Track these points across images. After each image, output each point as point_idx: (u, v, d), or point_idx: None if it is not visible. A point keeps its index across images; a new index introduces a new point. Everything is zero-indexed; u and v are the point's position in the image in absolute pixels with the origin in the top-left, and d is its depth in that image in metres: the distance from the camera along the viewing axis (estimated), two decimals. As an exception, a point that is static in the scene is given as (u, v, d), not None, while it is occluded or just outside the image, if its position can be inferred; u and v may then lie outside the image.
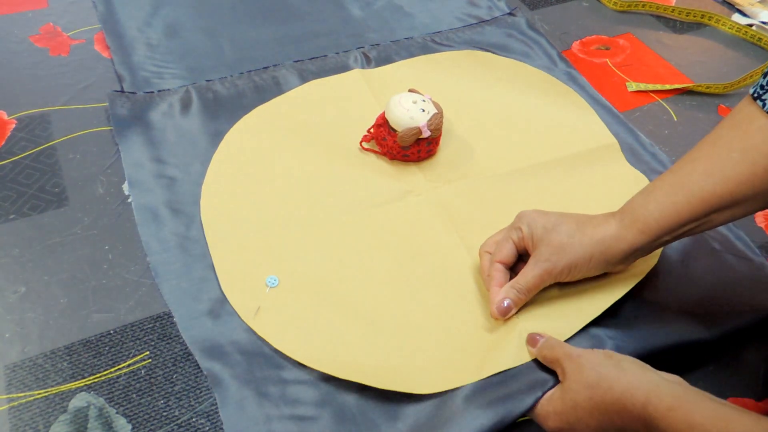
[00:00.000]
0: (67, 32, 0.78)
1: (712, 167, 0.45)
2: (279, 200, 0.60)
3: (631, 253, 0.48)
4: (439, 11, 0.86)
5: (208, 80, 0.72)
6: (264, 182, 0.62)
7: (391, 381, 0.47)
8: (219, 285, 0.54)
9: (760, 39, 0.84)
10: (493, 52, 0.79)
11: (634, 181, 0.64)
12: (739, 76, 0.76)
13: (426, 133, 0.61)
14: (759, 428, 0.35)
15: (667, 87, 0.77)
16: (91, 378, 0.48)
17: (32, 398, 0.47)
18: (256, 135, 0.66)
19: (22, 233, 0.57)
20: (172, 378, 0.49)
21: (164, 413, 0.47)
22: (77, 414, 0.46)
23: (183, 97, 0.70)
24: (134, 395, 0.48)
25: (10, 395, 0.47)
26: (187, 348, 0.50)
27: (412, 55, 0.78)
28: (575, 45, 0.83)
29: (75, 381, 0.48)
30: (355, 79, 0.73)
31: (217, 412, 0.47)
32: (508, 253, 0.51)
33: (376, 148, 0.66)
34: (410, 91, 0.64)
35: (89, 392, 0.48)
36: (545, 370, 0.47)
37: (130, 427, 0.46)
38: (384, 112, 0.63)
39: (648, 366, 0.42)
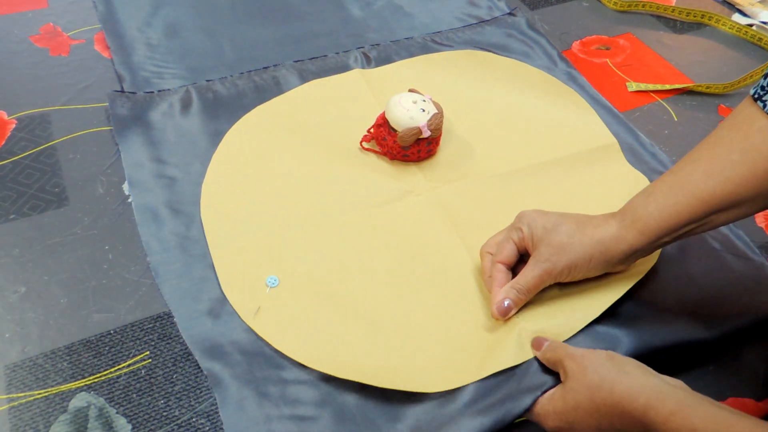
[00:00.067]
0: (67, 32, 0.78)
1: (713, 168, 0.45)
2: (279, 200, 0.60)
3: (632, 253, 0.48)
4: (439, 11, 0.86)
5: (208, 80, 0.72)
6: (264, 182, 0.62)
7: (391, 380, 0.47)
8: (219, 285, 0.54)
9: (760, 39, 0.84)
10: (493, 52, 0.79)
11: (634, 181, 0.64)
12: (740, 76, 0.76)
13: (426, 133, 0.61)
14: None
15: (668, 87, 0.77)
16: (91, 378, 0.48)
17: (32, 398, 0.47)
18: (256, 135, 0.66)
19: (22, 233, 0.57)
20: (172, 378, 0.49)
21: (164, 413, 0.47)
22: (77, 414, 0.46)
23: (183, 97, 0.70)
24: (134, 395, 0.48)
25: (11, 395, 0.47)
26: (187, 348, 0.50)
27: (412, 55, 0.78)
28: (575, 45, 0.83)
29: (75, 381, 0.48)
30: (355, 79, 0.73)
31: (217, 412, 0.47)
32: (509, 253, 0.51)
33: (376, 148, 0.66)
34: (410, 91, 0.64)
35: (89, 392, 0.48)
36: (545, 370, 0.47)
37: (130, 427, 0.46)
38: (384, 112, 0.63)
39: (650, 370, 0.42)
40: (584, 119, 0.71)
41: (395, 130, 0.62)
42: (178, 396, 0.48)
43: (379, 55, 0.77)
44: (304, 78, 0.73)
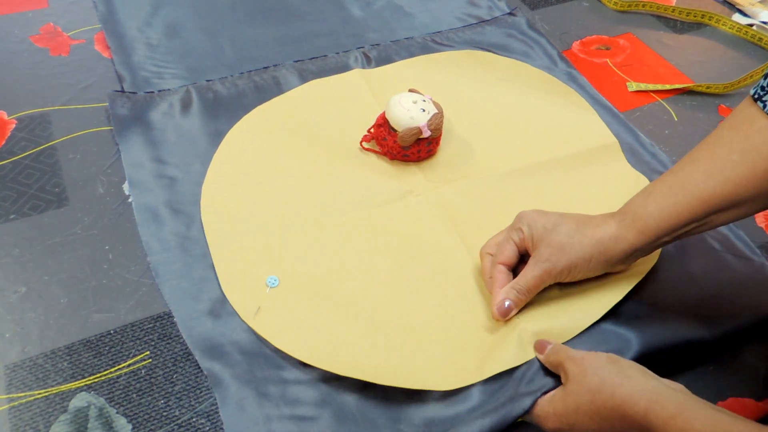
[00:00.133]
0: (67, 32, 0.78)
1: (713, 168, 0.45)
2: (279, 200, 0.60)
3: (631, 253, 0.48)
4: (439, 11, 0.86)
5: (208, 80, 0.72)
6: (264, 182, 0.62)
7: (391, 378, 0.47)
8: (219, 285, 0.54)
9: (760, 39, 0.84)
10: (494, 52, 0.79)
11: (634, 181, 0.64)
12: (740, 76, 0.76)
13: (426, 133, 0.61)
14: None
15: (668, 87, 0.77)
16: (91, 378, 0.48)
17: (32, 398, 0.47)
18: (256, 135, 0.66)
19: (23, 233, 0.57)
20: (172, 378, 0.49)
21: (164, 413, 0.47)
22: (77, 414, 0.46)
23: (183, 97, 0.70)
24: (134, 395, 0.48)
25: (11, 395, 0.47)
26: (187, 348, 0.50)
27: (412, 55, 0.78)
28: (575, 45, 0.83)
29: (75, 381, 0.48)
30: (355, 79, 0.73)
31: (217, 412, 0.47)
32: (509, 254, 0.51)
33: (377, 148, 0.66)
34: (410, 91, 0.64)
35: (89, 392, 0.48)
36: (545, 372, 0.47)
37: (130, 427, 0.46)
38: (384, 112, 0.63)
39: (651, 373, 0.42)
40: (584, 119, 0.71)
41: (395, 130, 0.62)
42: (178, 396, 0.48)
43: (379, 55, 0.77)
44: (304, 78, 0.73)
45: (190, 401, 0.48)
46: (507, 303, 0.49)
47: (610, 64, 0.80)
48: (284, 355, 0.50)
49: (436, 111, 0.62)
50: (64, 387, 0.48)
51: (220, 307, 0.53)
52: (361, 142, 0.66)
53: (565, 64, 0.78)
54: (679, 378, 0.49)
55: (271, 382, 0.48)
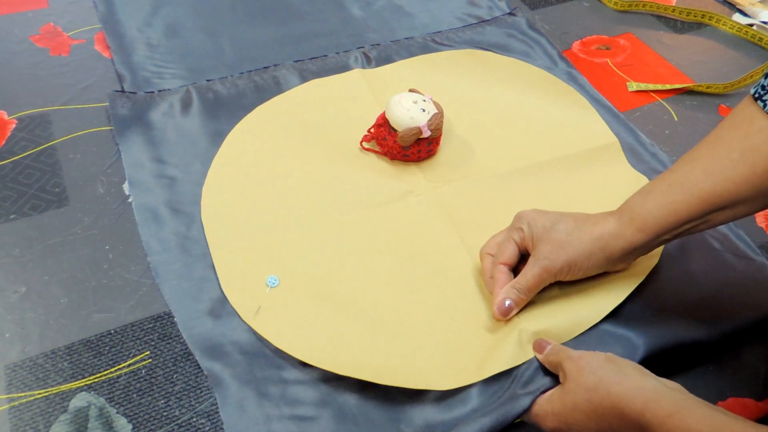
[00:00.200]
0: (67, 32, 0.78)
1: (712, 167, 0.45)
2: (279, 200, 0.60)
3: (631, 251, 0.48)
4: (439, 11, 0.86)
5: (208, 80, 0.72)
6: (264, 182, 0.62)
7: (391, 378, 0.47)
8: (219, 285, 0.54)
9: (760, 39, 0.84)
10: (494, 52, 0.79)
11: (634, 181, 0.64)
12: (740, 76, 0.76)
13: (426, 133, 0.61)
14: None
15: (668, 87, 0.76)
16: (91, 378, 0.48)
17: (32, 398, 0.47)
18: (256, 135, 0.66)
19: (23, 233, 0.57)
20: (172, 378, 0.49)
21: (165, 413, 0.47)
22: (78, 414, 0.46)
23: (183, 97, 0.70)
24: (135, 395, 0.48)
25: (11, 395, 0.47)
26: (187, 348, 0.50)
27: (412, 55, 0.78)
28: (576, 45, 0.83)
29: (75, 381, 0.48)
30: (356, 79, 0.73)
31: (217, 412, 0.47)
32: (510, 254, 0.51)
33: (377, 148, 0.66)
34: (410, 90, 0.64)
35: (90, 392, 0.48)
36: (544, 371, 0.47)
37: (130, 426, 0.46)
38: (384, 112, 0.63)
39: (648, 372, 0.42)
40: (585, 118, 0.71)
41: (395, 130, 0.62)
42: (178, 396, 0.48)
43: (379, 55, 0.77)
44: (305, 78, 0.73)
45: (191, 401, 0.48)
46: (508, 302, 0.49)
47: (611, 64, 0.80)
48: (284, 355, 0.50)
49: (436, 111, 0.62)
50: (64, 387, 0.48)
51: (220, 307, 0.53)
52: (361, 142, 0.66)
53: (565, 64, 0.78)
54: (679, 378, 0.49)
55: (271, 382, 0.48)
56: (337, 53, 0.77)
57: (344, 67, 0.75)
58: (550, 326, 0.50)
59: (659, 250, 0.56)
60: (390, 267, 0.56)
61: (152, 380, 0.49)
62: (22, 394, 0.47)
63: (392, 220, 0.60)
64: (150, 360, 0.50)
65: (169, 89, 0.70)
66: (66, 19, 0.80)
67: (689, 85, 0.76)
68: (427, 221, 0.60)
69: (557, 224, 0.50)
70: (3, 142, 0.65)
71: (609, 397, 0.40)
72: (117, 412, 0.47)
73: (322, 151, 0.65)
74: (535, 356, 0.48)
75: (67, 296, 0.53)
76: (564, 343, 0.49)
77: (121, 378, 0.49)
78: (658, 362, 0.49)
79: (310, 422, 0.46)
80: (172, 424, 0.46)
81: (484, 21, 0.84)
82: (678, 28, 0.87)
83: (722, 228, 0.60)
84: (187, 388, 0.48)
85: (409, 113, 0.61)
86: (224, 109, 0.69)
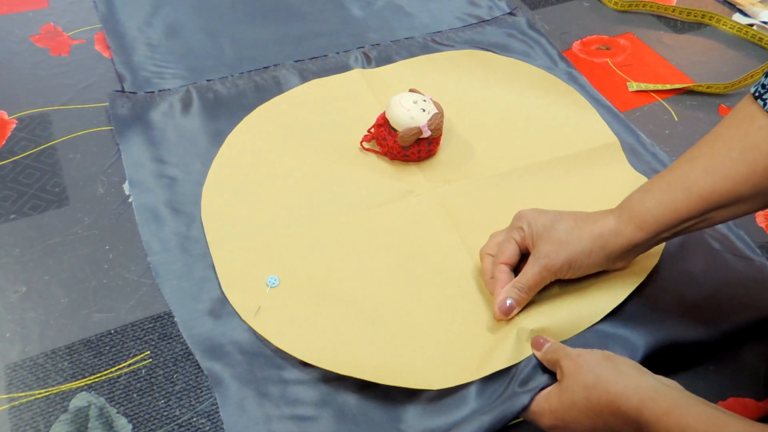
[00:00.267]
0: (67, 32, 0.78)
1: (712, 165, 0.45)
2: (279, 200, 0.60)
3: (631, 249, 0.48)
4: (439, 11, 0.86)
5: (208, 80, 0.72)
6: (264, 182, 0.62)
7: (391, 377, 0.47)
8: (219, 285, 0.54)
9: (760, 39, 0.84)
10: (494, 52, 0.79)
11: (634, 181, 0.64)
12: (740, 76, 0.76)
13: (426, 133, 0.61)
14: None
15: (668, 87, 0.76)
16: (91, 378, 0.48)
17: (33, 398, 0.47)
18: (256, 135, 0.66)
19: (23, 233, 0.57)
20: (172, 378, 0.49)
21: (165, 413, 0.47)
22: (78, 414, 0.46)
23: (183, 97, 0.70)
24: (135, 395, 0.48)
25: (11, 395, 0.47)
26: (187, 348, 0.50)
27: (412, 54, 0.78)
28: (576, 45, 0.83)
29: (75, 381, 0.48)
30: (356, 79, 0.73)
31: (217, 412, 0.47)
32: (511, 253, 0.51)
33: (377, 148, 0.66)
34: (411, 90, 0.64)
35: (90, 392, 0.48)
36: (543, 369, 0.47)
37: (130, 426, 0.46)
38: (384, 112, 0.63)
39: (646, 370, 0.42)
40: (585, 118, 0.71)
41: (395, 130, 0.62)
42: (178, 396, 0.48)
43: (379, 55, 0.77)
44: (305, 78, 0.73)
45: (191, 401, 0.48)
46: (509, 302, 0.49)
47: (611, 64, 0.80)
48: (284, 355, 0.50)
49: (437, 111, 0.62)
50: (64, 387, 0.48)
51: (221, 307, 0.53)
52: (361, 142, 0.66)
53: (565, 63, 0.78)
54: (679, 378, 0.49)
55: (271, 382, 0.48)
56: (338, 53, 0.77)
57: (344, 67, 0.75)
58: (549, 324, 0.50)
59: (659, 249, 0.56)
60: (390, 267, 0.56)
61: (152, 380, 0.49)
62: (23, 394, 0.47)
63: (392, 220, 0.60)
64: (150, 360, 0.50)
65: (169, 89, 0.71)
66: (66, 19, 0.80)
67: (689, 85, 0.76)
68: (427, 221, 0.60)
69: (557, 223, 0.50)
70: (3, 142, 0.65)
71: (607, 394, 0.40)
72: (117, 412, 0.47)
73: (322, 151, 0.65)
74: (533, 354, 0.48)
75: (67, 296, 0.53)
76: (563, 342, 0.49)
77: (122, 378, 0.49)
78: (657, 362, 0.49)
79: (310, 422, 0.46)
80: (172, 424, 0.46)
81: (484, 21, 0.84)
82: (678, 28, 0.87)
83: (722, 228, 0.60)
84: (188, 387, 0.48)
85: (409, 113, 0.61)
86: (224, 109, 0.69)
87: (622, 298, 0.52)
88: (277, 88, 0.72)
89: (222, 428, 0.46)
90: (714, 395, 0.50)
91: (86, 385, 0.48)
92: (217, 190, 0.61)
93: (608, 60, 0.81)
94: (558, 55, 0.79)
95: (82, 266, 0.55)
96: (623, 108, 0.74)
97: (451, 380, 0.48)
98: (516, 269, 0.52)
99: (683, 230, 0.47)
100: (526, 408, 0.45)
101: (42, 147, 0.65)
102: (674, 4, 0.90)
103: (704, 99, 0.76)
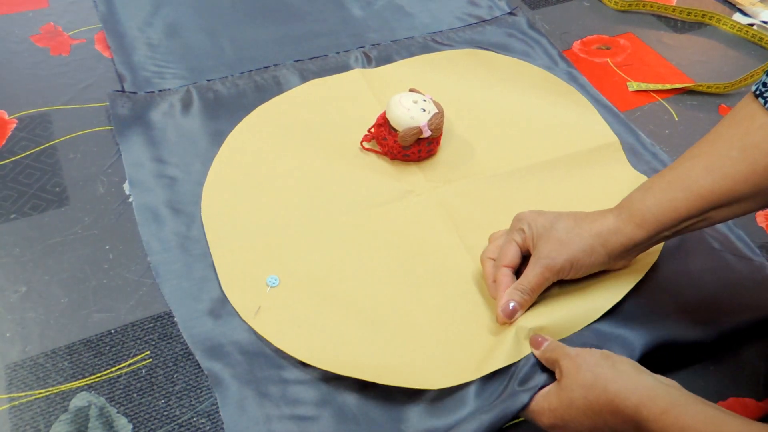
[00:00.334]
0: (67, 32, 0.78)
1: (712, 164, 0.45)
2: (279, 200, 0.60)
3: (631, 247, 0.48)
4: (439, 11, 0.86)
5: (208, 80, 0.72)
6: (264, 182, 0.62)
7: (391, 378, 0.47)
8: (219, 285, 0.54)
9: (761, 39, 0.84)
10: (494, 52, 0.79)
11: (635, 180, 0.64)
12: (740, 76, 0.76)
13: (426, 133, 0.61)
14: None
15: (668, 87, 0.76)
16: (91, 377, 0.48)
17: (33, 398, 0.47)
18: (256, 135, 0.66)
19: (23, 233, 0.57)
20: (172, 378, 0.49)
21: (165, 413, 0.47)
22: (78, 413, 0.46)
23: (184, 97, 0.70)
24: (135, 395, 0.48)
25: (11, 395, 0.47)
26: (187, 348, 0.50)
27: (412, 54, 0.78)
28: (576, 44, 0.83)
29: (76, 380, 0.48)
30: (356, 79, 0.73)
31: (217, 412, 0.47)
32: (513, 256, 0.51)
33: (377, 148, 0.66)
34: (411, 90, 0.64)
35: (90, 392, 0.48)
36: (542, 368, 0.47)
37: (130, 426, 0.46)
38: (384, 112, 0.63)
39: (644, 369, 0.42)
40: (585, 118, 0.71)
41: (396, 130, 0.62)
42: (178, 396, 0.48)
43: (379, 55, 0.77)
44: (305, 78, 0.73)
45: (191, 401, 0.48)
46: (512, 304, 0.49)
47: (611, 64, 0.80)
48: (284, 355, 0.50)
49: (437, 111, 0.62)
50: (64, 386, 0.48)
51: (221, 306, 0.53)
52: (361, 142, 0.66)
53: (565, 63, 0.78)
54: (680, 378, 0.49)
55: (271, 382, 0.48)
56: (338, 53, 0.77)
57: (344, 67, 0.75)
58: (548, 323, 0.50)
59: (658, 247, 0.56)
60: (390, 267, 0.56)
61: (152, 380, 0.49)
62: (23, 394, 0.47)
63: (392, 219, 0.60)
64: (150, 360, 0.50)
65: (169, 89, 0.71)
66: (66, 18, 0.80)
67: (689, 84, 0.76)
68: (427, 221, 0.60)
69: (557, 223, 0.50)
70: (3, 142, 0.65)
71: (605, 393, 0.40)
72: (117, 412, 0.47)
73: (322, 150, 0.65)
74: (532, 352, 0.48)
75: (67, 296, 0.53)
76: (561, 340, 0.49)
77: (122, 378, 0.49)
78: (656, 361, 0.49)
79: (311, 422, 0.46)
80: (172, 424, 0.46)
81: (484, 21, 0.84)
82: (678, 27, 0.87)
83: (722, 228, 0.60)
84: (188, 387, 0.48)
85: (409, 113, 0.61)
86: (224, 109, 0.69)
87: (621, 296, 0.52)
88: (277, 88, 0.72)
89: (222, 428, 0.46)
90: (714, 395, 0.50)
91: (86, 384, 0.48)
92: (217, 190, 0.61)
93: (608, 60, 0.81)
94: (558, 54, 0.79)
95: (82, 266, 0.55)
96: (623, 108, 0.74)
97: (451, 380, 0.48)
98: (518, 272, 0.52)
99: (683, 229, 0.47)
100: (525, 407, 0.45)
101: (42, 147, 0.65)
102: (674, 3, 0.90)
103: (704, 99, 0.76)
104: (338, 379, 0.48)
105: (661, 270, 0.56)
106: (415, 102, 0.61)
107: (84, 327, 0.51)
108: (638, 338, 0.50)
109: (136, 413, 0.47)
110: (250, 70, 0.74)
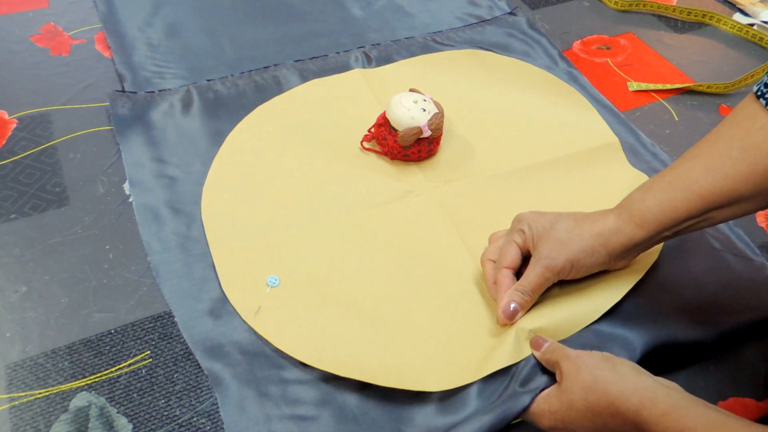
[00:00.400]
0: (67, 32, 0.78)
1: (712, 164, 0.45)
2: (280, 200, 0.60)
3: (632, 247, 0.48)
4: (439, 11, 0.86)
5: (208, 80, 0.72)
6: (264, 182, 0.62)
7: (391, 379, 0.47)
8: (220, 285, 0.54)
9: (761, 39, 0.84)
10: (494, 52, 0.79)
11: (635, 180, 0.64)
12: (740, 76, 0.76)
13: (427, 133, 0.61)
14: None
15: (668, 87, 0.76)
16: (92, 377, 0.48)
17: (33, 398, 0.47)
18: (256, 135, 0.66)
19: (23, 233, 0.57)
20: (172, 378, 0.49)
21: (165, 413, 0.47)
22: (78, 413, 0.46)
23: (184, 97, 0.70)
24: (135, 395, 0.48)
25: (11, 395, 0.47)
26: (187, 348, 0.50)
27: (412, 54, 0.78)
28: (576, 44, 0.83)
29: (76, 380, 0.48)
30: (356, 79, 0.73)
31: (217, 412, 0.47)
32: (513, 257, 0.51)
33: (377, 148, 0.66)
34: (411, 90, 0.64)
35: (90, 392, 0.48)
36: (543, 370, 0.47)
37: (131, 426, 0.46)
38: (384, 112, 0.63)
39: (645, 371, 0.42)
40: (585, 118, 0.71)
41: (396, 130, 0.62)
42: (178, 396, 0.48)
43: (379, 55, 0.77)
44: (305, 78, 0.73)
45: (191, 401, 0.48)
46: (512, 305, 0.49)
47: (611, 64, 0.80)
48: (284, 355, 0.50)
49: (437, 111, 0.62)
50: (64, 386, 0.48)
51: (221, 306, 0.53)
52: (361, 142, 0.66)
53: (565, 63, 0.78)
54: (680, 377, 0.49)
55: (271, 382, 0.48)
56: (338, 53, 0.77)
57: (345, 67, 0.75)
58: (548, 324, 0.50)
59: (658, 247, 0.56)
60: (390, 267, 0.56)
61: (153, 380, 0.49)
62: (23, 394, 0.47)
63: (392, 219, 0.60)
64: (150, 360, 0.50)
65: (169, 89, 0.71)
66: (66, 18, 0.80)
67: (690, 84, 0.76)
68: (428, 221, 0.60)
69: (557, 223, 0.50)
70: (3, 142, 0.65)
71: (605, 396, 0.40)
72: (117, 412, 0.47)
73: (322, 150, 0.65)
74: (532, 354, 0.48)
75: (67, 296, 0.53)
76: (562, 341, 0.49)
77: (122, 378, 0.49)
78: (657, 362, 0.49)
79: (311, 422, 0.46)
80: (172, 424, 0.46)
81: (484, 21, 0.84)
82: (678, 27, 0.87)
83: (722, 228, 0.60)
84: (188, 387, 0.48)
85: (409, 113, 0.61)
86: (225, 109, 0.69)
87: (621, 296, 0.52)
88: (277, 87, 0.72)
89: (222, 428, 0.46)
90: (714, 395, 0.50)
91: (86, 384, 0.48)
92: (217, 189, 0.61)
93: (608, 60, 0.81)
94: (558, 54, 0.79)
95: (83, 266, 0.55)
96: (623, 108, 0.74)
97: (451, 382, 0.48)
98: (518, 273, 0.52)
99: (684, 230, 0.47)
100: (526, 409, 0.45)
101: (42, 147, 0.65)
102: (675, 3, 0.90)
103: (704, 99, 0.76)
104: (338, 379, 0.48)
105: (661, 270, 0.56)
106: (415, 102, 0.61)
107: (84, 327, 0.51)
108: (638, 338, 0.50)
109: (136, 413, 0.47)
110: (250, 70, 0.74)
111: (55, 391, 0.48)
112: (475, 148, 0.67)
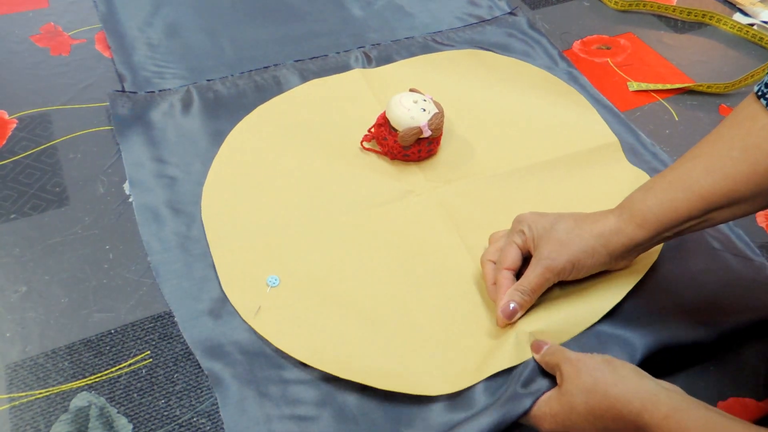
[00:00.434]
0: (67, 32, 0.78)
1: (713, 165, 0.45)
2: (280, 200, 0.60)
3: (632, 247, 0.48)
4: (439, 11, 0.86)
5: (208, 80, 0.72)
6: (264, 182, 0.62)
7: (391, 382, 0.47)
8: (220, 284, 0.54)
9: (761, 39, 0.84)
10: (494, 52, 0.79)
11: (635, 180, 0.64)
12: (741, 76, 0.76)
13: (427, 133, 0.61)
14: None
15: (668, 87, 0.76)
16: (92, 377, 0.48)
17: (33, 398, 0.47)
18: (256, 135, 0.66)
19: (23, 233, 0.57)
20: (173, 378, 0.49)
21: (165, 413, 0.47)
22: (78, 413, 0.46)
23: (184, 97, 0.70)
24: (135, 395, 0.48)
25: (11, 395, 0.47)
26: (187, 348, 0.50)
27: (412, 54, 0.78)
28: (576, 44, 0.83)
29: (76, 380, 0.48)
30: (356, 79, 0.73)
31: (217, 412, 0.47)
32: (513, 258, 0.51)
33: (377, 148, 0.66)
34: (411, 90, 0.64)
35: (90, 392, 0.48)
36: (543, 373, 0.47)
37: (131, 426, 0.46)
38: (384, 112, 0.63)
39: (646, 373, 0.42)
40: (585, 118, 0.71)
41: (396, 130, 0.62)
42: (178, 396, 0.48)
43: (379, 55, 0.77)
44: (305, 78, 0.73)
45: (191, 401, 0.48)
46: (512, 305, 0.49)
47: (611, 64, 0.80)
48: (285, 355, 0.50)
49: (437, 111, 0.62)
50: (64, 386, 0.48)
51: (221, 306, 0.53)
52: (361, 142, 0.66)
53: (565, 63, 0.78)
54: (680, 378, 0.49)
55: (271, 382, 0.48)
56: (338, 53, 0.77)
57: (345, 67, 0.75)
58: (548, 326, 0.50)
59: (658, 247, 0.56)
60: (390, 267, 0.56)
61: (153, 380, 0.49)
62: (23, 394, 0.47)
63: (392, 219, 0.60)
64: (150, 360, 0.50)
65: (169, 89, 0.71)
66: (66, 18, 0.80)
67: (690, 84, 0.76)
68: (428, 221, 0.60)
69: (557, 224, 0.49)
70: (3, 142, 0.65)
71: (606, 398, 0.40)
72: (118, 412, 0.47)
73: (322, 150, 0.65)
74: (533, 356, 0.48)
75: (67, 296, 0.53)
76: (563, 344, 0.49)
77: (122, 378, 0.49)
78: (657, 363, 0.49)
79: (311, 422, 0.46)
80: (172, 424, 0.46)
81: (484, 21, 0.84)
82: (678, 27, 0.87)
83: (722, 228, 0.60)
84: (188, 387, 0.48)
85: (409, 113, 0.61)
86: (225, 109, 0.69)
87: (621, 297, 0.52)
88: (277, 87, 0.72)
89: (222, 428, 0.46)
90: (714, 395, 0.50)
91: (87, 384, 0.48)
92: (217, 189, 0.61)
93: (608, 60, 0.81)
94: (558, 54, 0.79)
95: (83, 266, 0.55)
96: (623, 108, 0.74)
97: (451, 386, 0.47)
98: (518, 274, 0.52)
99: (685, 230, 0.47)
100: (527, 412, 0.45)
101: (42, 147, 0.65)
102: (675, 3, 0.90)
103: (704, 99, 0.76)
104: (338, 379, 0.48)
105: (661, 270, 0.56)
106: (416, 102, 0.61)
107: (84, 327, 0.51)
108: (638, 339, 0.50)
109: (137, 413, 0.47)
110: (250, 70, 0.74)
111: (55, 391, 0.48)
112: (475, 148, 0.67)
